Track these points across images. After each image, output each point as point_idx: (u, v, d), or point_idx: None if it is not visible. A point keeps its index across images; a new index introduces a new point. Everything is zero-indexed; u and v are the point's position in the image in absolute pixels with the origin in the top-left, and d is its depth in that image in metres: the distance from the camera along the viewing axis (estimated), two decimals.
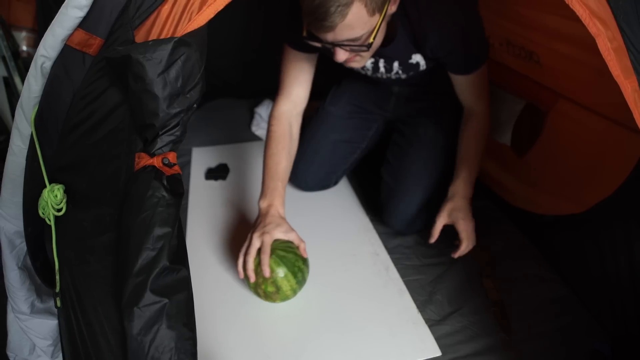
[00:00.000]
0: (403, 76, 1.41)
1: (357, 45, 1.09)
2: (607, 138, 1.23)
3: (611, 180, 1.18)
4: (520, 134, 1.58)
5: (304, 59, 1.36)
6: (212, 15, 0.78)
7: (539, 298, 1.31)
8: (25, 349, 1.02)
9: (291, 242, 1.23)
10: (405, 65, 1.36)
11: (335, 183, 1.80)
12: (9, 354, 1.03)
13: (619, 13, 0.78)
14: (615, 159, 1.19)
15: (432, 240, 1.35)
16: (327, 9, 0.97)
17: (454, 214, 1.32)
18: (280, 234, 1.21)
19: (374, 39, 1.08)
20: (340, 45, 1.08)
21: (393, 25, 1.23)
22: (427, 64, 1.35)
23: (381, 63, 1.39)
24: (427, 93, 1.59)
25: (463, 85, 1.37)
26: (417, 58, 1.33)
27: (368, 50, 1.11)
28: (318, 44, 1.12)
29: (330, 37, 1.05)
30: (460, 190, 1.35)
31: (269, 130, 1.39)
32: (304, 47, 1.29)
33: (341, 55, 1.12)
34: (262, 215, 1.27)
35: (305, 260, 1.24)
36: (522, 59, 1.48)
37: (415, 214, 1.50)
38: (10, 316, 1.01)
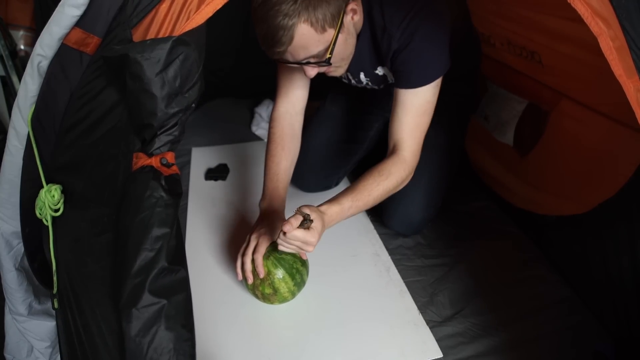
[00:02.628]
0: (376, 87, 1.40)
1: (317, 62, 1.11)
2: (610, 138, 1.23)
3: (614, 180, 1.18)
4: (522, 134, 1.57)
5: (296, 71, 1.36)
6: (210, 14, 0.78)
7: (541, 299, 1.30)
8: (23, 351, 1.02)
9: None
10: (372, 77, 1.35)
11: (337, 184, 1.79)
12: (7, 355, 1.02)
13: (622, 12, 0.77)
14: (618, 159, 1.18)
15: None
16: (273, 36, 1.01)
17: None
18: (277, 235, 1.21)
19: (330, 53, 1.09)
20: (303, 63, 1.11)
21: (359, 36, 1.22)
22: (393, 80, 1.32)
23: (350, 76, 1.40)
24: None
25: (403, 107, 1.21)
26: (383, 71, 1.32)
27: (329, 65, 1.12)
28: (289, 64, 1.13)
29: (289, 57, 1.08)
30: (335, 210, 1.12)
31: (269, 132, 1.39)
32: None
33: (310, 72, 1.14)
34: (261, 217, 1.27)
35: (304, 262, 1.23)
36: (523, 59, 1.47)
37: (414, 215, 1.49)
38: (8, 318, 1.00)
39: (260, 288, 1.18)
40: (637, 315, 1.11)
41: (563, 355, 1.16)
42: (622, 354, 1.13)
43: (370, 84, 1.39)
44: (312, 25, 1.02)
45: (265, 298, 1.20)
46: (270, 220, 1.24)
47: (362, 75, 1.36)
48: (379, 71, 1.33)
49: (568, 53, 1.27)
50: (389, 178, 1.19)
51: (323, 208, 1.11)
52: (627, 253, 1.13)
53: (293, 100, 1.40)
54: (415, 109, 1.22)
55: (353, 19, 1.13)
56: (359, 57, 1.27)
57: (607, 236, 1.19)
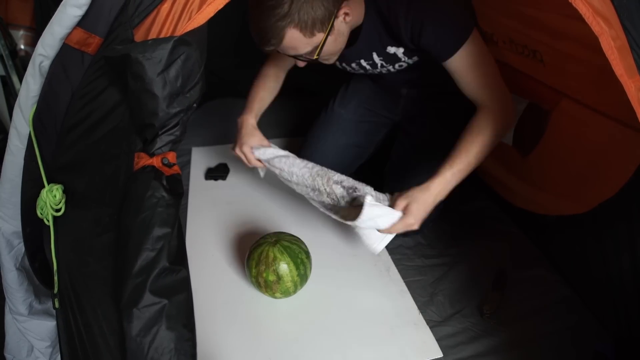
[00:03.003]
0: (390, 67, 1.40)
1: (306, 59, 1.18)
2: (611, 137, 1.23)
3: (614, 180, 1.18)
4: (523, 134, 1.57)
5: None
6: (212, 14, 0.77)
7: (541, 299, 1.30)
8: (23, 351, 1.02)
9: (296, 237, 1.28)
10: (385, 56, 1.35)
11: None
12: (7, 355, 1.02)
13: (623, 11, 0.77)
14: (619, 159, 1.18)
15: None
16: (263, 37, 1.09)
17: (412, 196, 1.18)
18: (254, 141, 1.41)
19: (318, 55, 1.15)
20: (292, 56, 1.17)
21: (360, 24, 1.25)
22: (407, 55, 1.33)
23: (363, 62, 1.40)
24: (436, 93, 1.58)
25: (457, 73, 1.24)
26: (393, 49, 1.32)
27: (317, 61, 1.18)
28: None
29: (280, 52, 1.15)
30: (439, 182, 1.20)
31: (258, 74, 1.54)
32: None
33: (301, 64, 1.22)
34: (238, 129, 1.46)
35: (308, 255, 1.26)
36: (525, 58, 1.47)
37: None
38: (8, 317, 1.00)
39: (264, 275, 1.20)
40: (637, 315, 1.11)
41: (563, 355, 1.16)
42: (622, 354, 1.13)
43: (384, 63, 1.38)
44: (301, 30, 1.07)
45: (267, 287, 1.21)
46: (245, 130, 1.44)
47: (374, 55, 1.36)
48: (390, 50, 1.33)
49: (569, 52, 1.27)
50: (481, 132, 1.22)
51: (425, 186, 1.19)
52: (627, 253, 1.13)
53: (280, 64, 1.53)
54: (467, 68, 1.23)
55: (345, 20, 1.15)
56: (368, 41, 1.29)
57: (607, 236, 1.19)
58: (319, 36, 1.11)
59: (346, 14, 1.14)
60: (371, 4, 1.22)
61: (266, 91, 1.53)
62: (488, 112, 1.23)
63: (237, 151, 1.41)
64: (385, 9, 1.20)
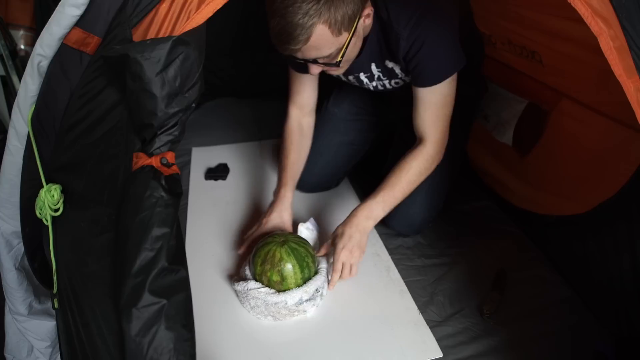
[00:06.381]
0: (386, 82, 1.40)
1: (326, 63, 1.14)
2: (610, 138, 1.23)
3: (614, 180, 1.18)
4: (522, 134, 1.57)
5: (305, 76, 1.42)
6: (210, 14, 0.78)
7: (541, 299, 1.30)
8: (23, 351, 1.02)
9: (304, 239, 1.31)
10: (383, 69, 1.35)
11: (337, 184, 1.79)
12: (7, 355, 1.02)
13: (622, 12, 0.77)
14: (618, 159, 1.18)
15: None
16: (290, 34, 1.00)
17: (337, 240, 1.27)
18: (283, 222, 1.42)
19: (342, 57, 1.11)
20: (310, 61, 1.13)
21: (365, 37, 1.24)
22: (404, 72, 1.33)
23: (362, 75, 1.40)
24: None
25: (421, 102, 1.26)
26: (391, 64, 1.32)
27: (338, 66, 1.15)
28: (296, 60, 1.15)
29: (299, 55, 1.09)
30: (363, 209, 1.29)
31: (282, 133, 1.53)
32: (303, 69, 1.33)
33: (314, 70, 1.17)
34: (272, 204, 1.46)
35: (314, 259, 1.26)
36: (524, 58, 1.47)
37: (416, 216, 1.49)
38: (8, 317, 1.00)
39: (269, 274, 1.20)
40: (637, 315, 1.11)
41: (563, 355, 1.16)
42: (622, 354, 1.13)
43: (381, 75, 1.38)
44: (330, 27, 1.02)
45: (270, 286, 1.22)
46: (278, 207, 1.43)
47: (373, 66, 1.35)
48: (388, 64, 1.33)
49: (568, 53, 1.27)
50: (412, 170, 1.29)
51: (356, 208, 1.29)
52: (627, 253, 1.13)
53: (302, 106, 1.50)
54: (433, 104, 1.26)
55: (365, 22, 1.14)
56: (369, 53, 1.27)
57: (607, 236, 1.19)
58: (344, 36, 1.07)
59: (368, 15, 1.12)
60: (376, 18, 1.20)
61: (295, 152, 1.51)
62: (425, 154, 1.30)
63: (250, 236, 1.43)
64: (389, 26, 1.19)
